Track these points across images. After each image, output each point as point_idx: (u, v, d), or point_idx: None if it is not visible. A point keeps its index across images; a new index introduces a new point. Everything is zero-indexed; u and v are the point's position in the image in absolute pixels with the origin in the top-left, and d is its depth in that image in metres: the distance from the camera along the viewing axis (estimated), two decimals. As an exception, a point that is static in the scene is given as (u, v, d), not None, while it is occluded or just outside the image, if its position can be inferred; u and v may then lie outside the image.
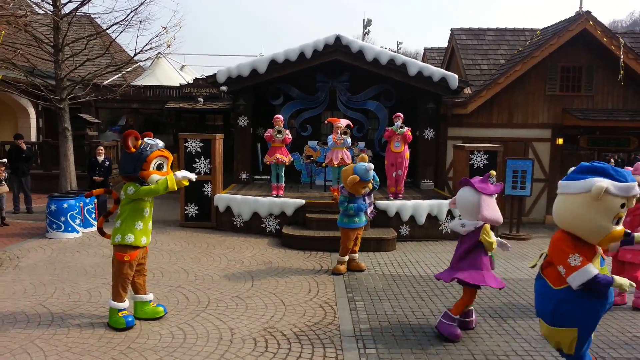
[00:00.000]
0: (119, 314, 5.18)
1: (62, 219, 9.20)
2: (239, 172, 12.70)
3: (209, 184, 10.50)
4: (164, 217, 11.34)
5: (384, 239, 9.18)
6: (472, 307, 5.52)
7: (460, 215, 5.59)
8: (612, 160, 11.66)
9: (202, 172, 10.45)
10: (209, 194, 10.50)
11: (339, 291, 6.69)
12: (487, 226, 5.27)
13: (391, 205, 9.93)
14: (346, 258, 7.70)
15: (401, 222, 9.98)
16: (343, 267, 7.62)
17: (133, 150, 5.14)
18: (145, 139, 5.27)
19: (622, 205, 3.59)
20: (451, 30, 15.60)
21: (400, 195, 10.52)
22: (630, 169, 6.33)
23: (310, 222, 9.62)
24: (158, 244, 8.92)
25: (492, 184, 5.32)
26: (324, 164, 10.93)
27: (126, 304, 5.27)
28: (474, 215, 5.19)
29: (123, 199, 5.36)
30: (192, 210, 10.54)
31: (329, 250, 8.93)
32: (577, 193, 3.66)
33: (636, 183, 3.65)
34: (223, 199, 10.38)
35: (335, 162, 10.09)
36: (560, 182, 3.90)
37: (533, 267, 4.26)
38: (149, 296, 5.55)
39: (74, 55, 11.59)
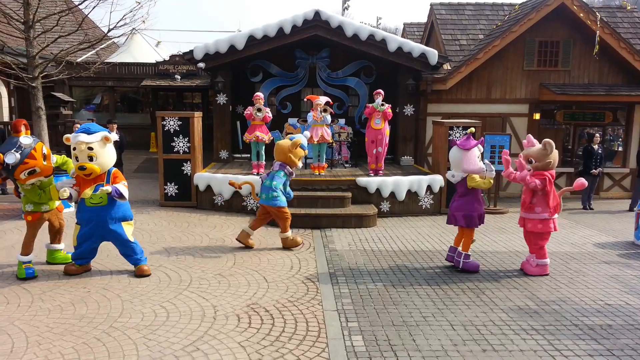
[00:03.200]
0: (23, 266, 6.00)
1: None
2: (219, 151, 12.61)
3: (189, 162, 10.40)
4: (143, 197, 11.23)
5: (365, 215, 9.26)
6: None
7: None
8: (597, 135, 11.81)
9: (181, 151, 10.34)
10: (189, 173, 10.41)
11: (320, 267, 6.76)
12: (472, 175, 6.48)
13: (372, 181, 9.99)
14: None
15: (382, 198, 10.06)
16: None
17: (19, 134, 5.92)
18: (20, 138, 5.85)
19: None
20: (430, 5, 15.53)
21: (381, 172, 10.59)
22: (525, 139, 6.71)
23: (292, 200, 9.61)
24: (138, 224, 8.84)
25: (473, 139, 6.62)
26: (304, 141, 10.88)
27: (30, 257, 6.08)
28: (460, 168, 6.54)
29: None
30: (171, 189, 10.45)
31: (310, 227, 8.98)
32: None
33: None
34: (203, 177, 10.31)
35: (316, 140, 10.08)
36: None
37: None
38: (60, 246, 6.63)
39: (46, 32, 11.20)
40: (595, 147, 11.45)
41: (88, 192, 5.85)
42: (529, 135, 6.78)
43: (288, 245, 7.62)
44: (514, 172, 6.69)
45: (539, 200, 6.49)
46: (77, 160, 5.80)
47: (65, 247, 6.72)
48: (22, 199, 6.21)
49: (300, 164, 7.90)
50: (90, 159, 5.79)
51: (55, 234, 6.57)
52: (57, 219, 6.53)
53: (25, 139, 5.86)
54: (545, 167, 6.44)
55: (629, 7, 14.93)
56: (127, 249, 6.17)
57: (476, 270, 6.63)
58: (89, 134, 5.84)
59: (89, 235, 6.00)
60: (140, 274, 6.14)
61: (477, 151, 6.55)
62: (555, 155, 6.49)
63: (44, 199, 6.19)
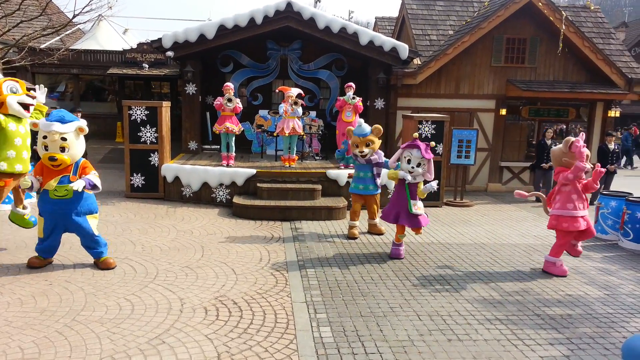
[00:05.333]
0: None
1: None
2: (188, 142, 12.41)
3: (156, 153, 10.20)
4: (108, 188, 10.98)
5: (335, 207, 9.28)
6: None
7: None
8: (550, 130, 12.15)
9: (148, 141, 10.13)
10: (156, 164, 10.22)
11: (290, 259, 6.76)
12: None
13: (342, 174, 10.02)
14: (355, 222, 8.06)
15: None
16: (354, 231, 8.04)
17: None
18: None
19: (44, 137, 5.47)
20: (402, -1, 15.61)
21: (351, 165, 10.61)
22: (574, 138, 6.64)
23: (262, 192, 9.58)
24: (103, 216, 8.64)
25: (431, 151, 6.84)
26: (275, 134, 10.85)
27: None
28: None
29: None
30: (138, 180, 10.24)
31: (280, 219, 8.96)
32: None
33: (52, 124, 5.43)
34: (171, 168, 10.14)
35: (287, 132, 10.04)
36: None
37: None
38: (26, 210, 6.56)
39: (7, 16, 10.80)
40: (549, 141, 11.76)
41: (52, 183, 5.64)
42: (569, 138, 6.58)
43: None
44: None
45: (568, 197, 6.49)
46: (46, 150, 5.55)
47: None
48: None
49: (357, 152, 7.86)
50: (62, 149, 5.55)
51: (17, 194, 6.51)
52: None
53: None
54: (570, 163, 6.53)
55: (592, 7, 15.35)
56: (92, 242, 6.01)
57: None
58: (63, 123, 5.58)
59: (52, 227, 5.83)
60: (105, 267, 6.00)
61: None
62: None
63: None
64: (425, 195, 6.89)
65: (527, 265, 6.88)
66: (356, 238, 7.93)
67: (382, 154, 8.02)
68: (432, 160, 6.79)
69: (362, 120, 8.06)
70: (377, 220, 8.20)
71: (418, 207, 6.79)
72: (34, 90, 6.32)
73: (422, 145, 6.68)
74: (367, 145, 7.68)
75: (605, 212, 8.70)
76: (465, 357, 4.27)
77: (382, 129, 7.83)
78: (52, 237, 5.89)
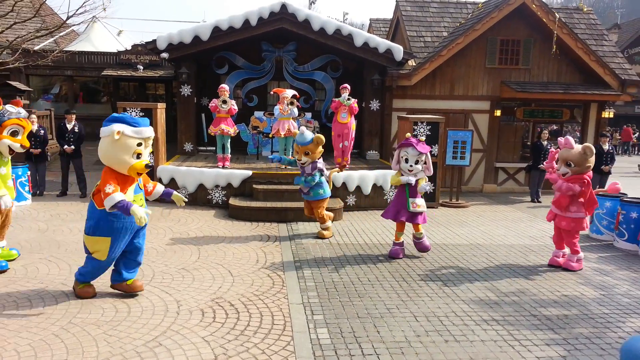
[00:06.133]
0: None
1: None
2: (183, 143, 12.38)
3: (151, 155, 10.17)
4: (104, 190, 10.93)
5: (331, 208, 9.27)
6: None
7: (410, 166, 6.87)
8: (545, 131, 12.23)
9: (143, 143, 10.09)
10: (152, 166, 10.17)
11: (286, 260, 6.75)
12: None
13: (338, 175, 10.03)
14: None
15: (348, 192, 10.12)
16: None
17: None
18: (6, 106, 5.77)
19: (139, 144, 4.90)
20: (396, 1, 15.65)
21: (347, 166, 10.63)
22: (562, 139, 6.71)
23: (257, 193, 9.57)
24: (98, 218, 8.62)
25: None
26: (270, 135, 10.84)
27: None
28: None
29: None
30: (134, 182, 10.19)
31: (277, 220, 8.95)
32: (104, 136, 4.91)
33: (149, 128, 4.99)
34: (166, 170, 10.11)
35: (282, 133, 10.05)
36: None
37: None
38: (2, 243, 6.14)
39: (0, 17, 10.75)
40: (545, 142, 11.82)
41: (130, 194, 5.02)
42: (568, 137, 6.72)
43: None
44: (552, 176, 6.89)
45: (574, 200, 6.63)
46: (138, 158, 4.93)
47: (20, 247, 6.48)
48: None
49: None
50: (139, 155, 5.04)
51: (1, 229, 6.11)
52: (8, 213, 6.13)
53: (11, 107, 5.83)
54: (585, 171, 6.58)
55: (585, 9, 15.45)
56: (139, 259, 5.40)
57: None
58: (148, 126, 5.10)
59: (119, 247, 5.08)
60: (134, 290, 5.29)
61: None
62: (593, 159, 6.61)
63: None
64: (422, 194, 6.99)
65: (523, 266, 6.91)
66: (325, 238, 7.98)
67: (321, 161, 7.88)
68: (429, 154, 6.91)
69: (304, 128, 8.03)
70: (328, 224, 8.09)
71: (417, 204, 6.89)
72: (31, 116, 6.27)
73: (414, 141, 6.79)
74: (306, 154, 7.68)
75: (600, 213, 8.75)
76: (462, 358, 4.28)
77: (323, 139, 7.67)
78: (115, 257, 5.17)
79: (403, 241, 7.16)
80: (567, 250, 6.96)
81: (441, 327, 4.86)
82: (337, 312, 5.14)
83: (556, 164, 6.89)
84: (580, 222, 6.70)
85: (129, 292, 5.27)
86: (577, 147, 6.61)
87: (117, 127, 4.81)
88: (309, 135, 7.68)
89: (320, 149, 7.71)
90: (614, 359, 4.35)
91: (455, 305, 5.42)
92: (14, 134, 5.78)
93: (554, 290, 5.97)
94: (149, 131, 5.01)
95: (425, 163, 6.92)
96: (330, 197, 9.92)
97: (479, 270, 6.65)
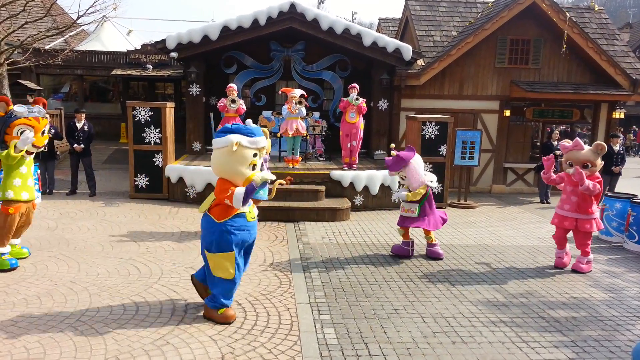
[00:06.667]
0: (3, 257, 5.83)
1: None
2: (191, 142, 12.43)
3: (160, 154, 10.23)
4: (113, 189, 11.01)
5: (339, 208, 9.28)
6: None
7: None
8: (556, 132, 12.13)
9: (152, 142, 10.16)
10: (160, 165, 10.24)
11: (293, 260, 6.76)
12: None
13: (346, 175, 10.02)
14: None
15: (355, 192, 10.11)
16: None
17: (2, 114, 5.76)
18: (15, 107, 5.82)
19: (255, 155, 4.68)
20: (405, 0, 15.59)
21: (355, 166, 10.62)
22: (569, 142, 6.67)
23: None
24: (107, 216, 8.68)
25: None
26: (278, 134, 10.85)
27: (8, 248, 5.94)
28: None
29: None
30: (142, 181, 10.26)
31: (284, 220, 8.96)
32: (220, 147, 4.62)
33: (263, 137, 4.79)
34: (175, 169, 10.16)
35: (290, 132, 10.05)
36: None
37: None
38: (17, 241, 6.23)
39: (12, 17, 10.85)
40: (555, 143, 11.74)
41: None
42: (577, 138, 6.69)
43: None
44: (552, 175, 6.90)
45: (590, 202, 6.60)
46: (253, 169, 4.74)
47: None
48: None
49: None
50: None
51: (20, 228, 6.19)
52: (29, 213, 6.19)
53: (19, 107, 5.85)
54: (597, 170, 6.56)
55: (596, 8, 15.31)
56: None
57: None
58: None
59: (242, 259, 4.90)
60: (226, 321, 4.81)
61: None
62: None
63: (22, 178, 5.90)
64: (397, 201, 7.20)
65: (532, 268, 6.86)
66: None
67: (267, 158, 7.60)
68: (409, 167, 6.76)
69: (249, 121, 7.88)
70: None
71: (405, 208, 6.97)
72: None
73: (388, 162, 6.89)
74: None
75: (610, 214, 8.67)
76: None
77: (267, 134, 7.56)
78: (241, 272, 4.93)
79: (409, 241, 7.14)
80: (567, 248, 6.92)
81: (448, 328, 4.84)
82: (344, 312, 5.14)
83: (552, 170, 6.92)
84: (599, 221, 6.73)
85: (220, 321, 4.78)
86: (588, 148, 6.56)
87: (234, 138, 4.55)
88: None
89: (267, 146, 7.57)
90: (623, 362, 4.31)
91: (462, 306, 5.40)
92: (22, 133, 5.80)
93: (562, 292, 5.93)
94: (263, 141, 4.79)
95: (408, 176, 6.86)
96: (338, 197, 9.94)
97: (487, 272, 6.61)
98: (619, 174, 11.44)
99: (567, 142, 6.75)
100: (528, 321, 5.06)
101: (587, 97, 12.77)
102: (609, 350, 4.50)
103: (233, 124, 4.81)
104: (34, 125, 5.87)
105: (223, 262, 4.66)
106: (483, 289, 5.95)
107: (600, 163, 6.57)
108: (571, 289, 6.07)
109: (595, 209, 6.67)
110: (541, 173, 7.14)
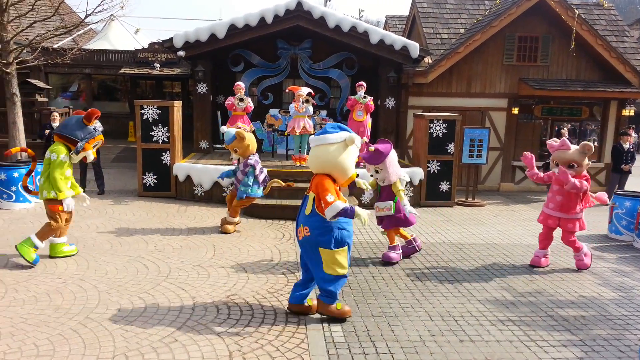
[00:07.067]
0: (35, 250, 5.98)
1: (13, 188, 8.85)
2: (199, 141, 12.47)
3: (168, 152, 10.27)
4: (122, 187, 11.07)
5: (345, 206, 9.25)
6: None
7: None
8: (564, 129, 12.07)
9: (160, 141, 10.20)
10: (168, 163, 10.28)
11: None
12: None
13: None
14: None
15: (362, 190, 10.08)
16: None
17: (90, 124, 6.18)
18: (96, 123, 6.32)
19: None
20: (413, -2, 15.54)
21: (362, 164, 10.60)
22: (557, 141, 6.63)
23: (272, 191, 9.57)
24: (116, 214, 8.73)
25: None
26: (285, 133, 10.86)
27: (65, 239, 6.34)
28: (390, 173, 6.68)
29: (47, 158, 6.09)
30: (150, 179, 10.31)
31: (291, 218, 8.96)
32: (334, 142, 4.65)
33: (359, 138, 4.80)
34: (183, 167, 10.20)
35: (298, 131, 10.06)
36: (313, 137, 4.88)
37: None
38: (64, 239, 6.42)
39: (21, 16, 10.91)
40: None
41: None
42: (564, 138, 6.64)
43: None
44: (538, 172, 6.86)
45: (575, 202, 6.55)
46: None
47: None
48: (43, 186, 6.09)
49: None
50: None
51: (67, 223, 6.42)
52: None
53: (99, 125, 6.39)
54: (584, 170, 6.49)
55: (605, 5, 15.17)
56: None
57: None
58: None
59: None
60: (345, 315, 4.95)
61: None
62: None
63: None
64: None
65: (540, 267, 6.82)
66: (227, 233, 7.83)
67: (255, 158, 7.73)
68: (387, 159, 6.58)
69: (224, 127, 8.19)
70: (236, 219, 7.99)
71: (380, 209, 6.73)
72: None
73: (365, 156, 6.71)
74: (235, 152, 7.74)
75: (620, 213, 8.60)
76: (477, 358, 4.24)
77: (245, 133, 7.60)
78: None
79: (409, 242, 7.01)
80: (549, 251, 6.92)
81: (456, 326, 4.83)
82: (351, 310, 5.13)
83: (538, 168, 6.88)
84: (583, 222, 6.65)
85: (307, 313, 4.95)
86: (574, 147, 6.49)
87: (350, 135, 4.69)
88: (231, 131, 7.72)
89: (247, 143, 7.62)
90: (633, 361, 4.28)
91: (470, 304, 5.38)
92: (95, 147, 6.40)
93: (571, 291, 5.89)
94: (360, 142, 4.90)
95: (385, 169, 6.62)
96: (344, 194, 9.92)
97: (495, 270, 6.58)
98: (629, 172, 11.34)
99: (554, 142, 6.70)
100: (536, 320, 5.03)
101: (597, 95, 12.67)
102: (619, 350, 4.46)
103: (336, 124, 4.90)
104: (102, 140, 6.53)
105: (339, 257, 4.74)
106: (491, 287, 5.93)
107: (587, 164, 6.46)
108: (580, 287, 6.03)
109: (580, 210, 6.56)
110: (525, 171, 7.08)
